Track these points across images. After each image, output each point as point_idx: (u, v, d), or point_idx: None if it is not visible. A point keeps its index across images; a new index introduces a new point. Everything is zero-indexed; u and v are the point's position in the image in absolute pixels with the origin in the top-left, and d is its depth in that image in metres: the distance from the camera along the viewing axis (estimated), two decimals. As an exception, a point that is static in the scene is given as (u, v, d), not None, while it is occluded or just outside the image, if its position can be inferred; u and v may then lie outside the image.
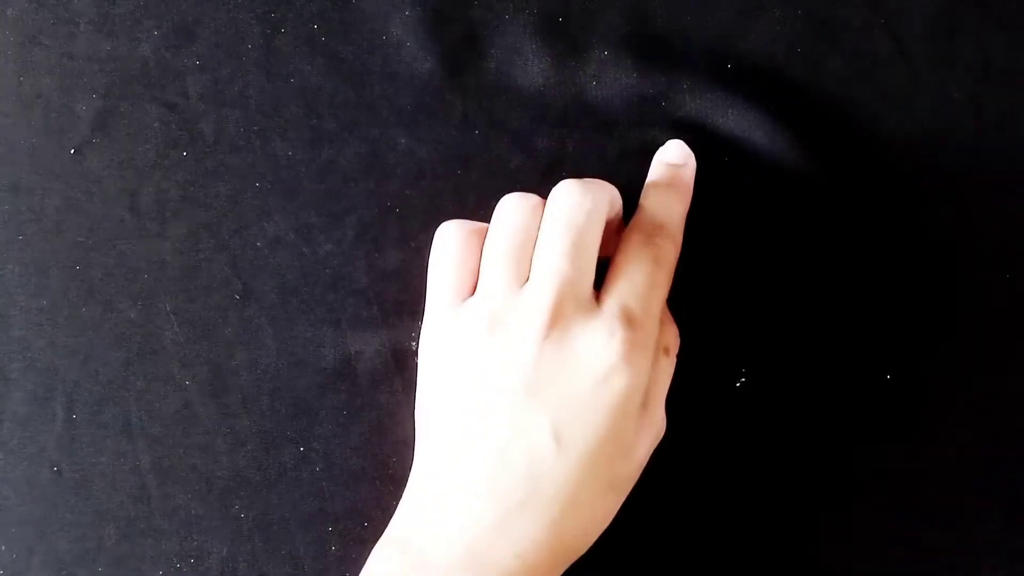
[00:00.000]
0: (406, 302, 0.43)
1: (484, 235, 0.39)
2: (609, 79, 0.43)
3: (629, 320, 0.36)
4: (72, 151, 0.43)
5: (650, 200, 0.40)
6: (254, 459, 0.43)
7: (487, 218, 0.40)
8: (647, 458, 0.38)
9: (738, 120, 0.43)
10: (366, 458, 0.43)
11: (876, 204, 0.43)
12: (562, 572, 0.37)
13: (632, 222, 0.40)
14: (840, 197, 0.43)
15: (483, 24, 0.43)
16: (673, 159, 0.41)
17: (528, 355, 0.36)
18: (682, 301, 0.40)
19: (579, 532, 0.37)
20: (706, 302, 0.42)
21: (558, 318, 0.36)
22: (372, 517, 0.42)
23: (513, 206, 0.38)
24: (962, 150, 0.43)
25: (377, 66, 0.43)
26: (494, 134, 0.43)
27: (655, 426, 0.38)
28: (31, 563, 0.42)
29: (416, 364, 0.41)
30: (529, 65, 0.43)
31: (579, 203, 0.37)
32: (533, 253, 0.38)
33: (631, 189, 0.41)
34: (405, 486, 0.38)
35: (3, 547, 0.42)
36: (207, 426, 0.43)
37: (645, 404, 0.37)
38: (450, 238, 0.39)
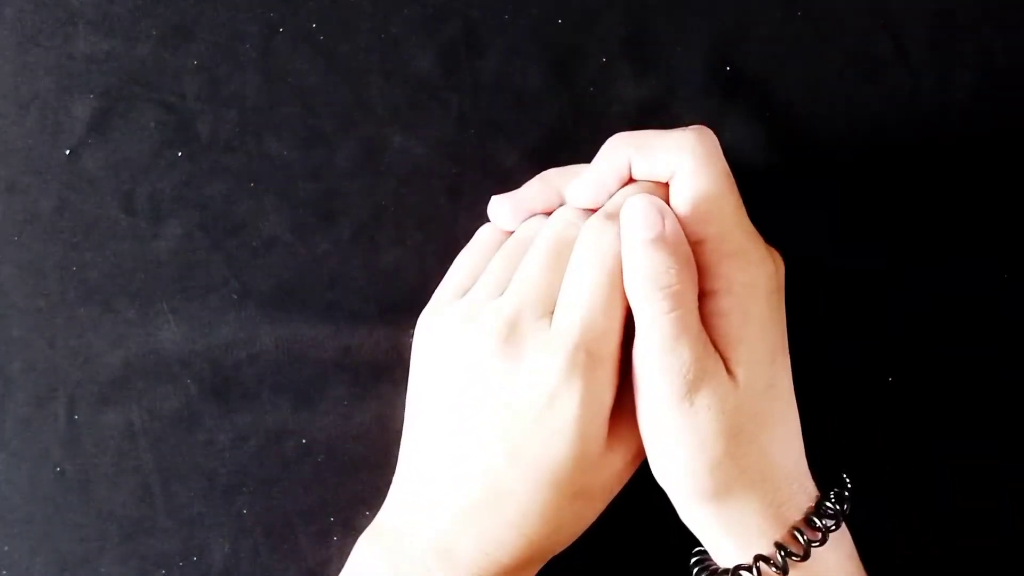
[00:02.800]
0: (403, 300, 0.43)
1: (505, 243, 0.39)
2: (607, 80, 0.43)
3: (578, 338, 0.34)
4: (67, 151, 0.43)
5: None
6: (256, 454, 0.43)
7: (480, 217, 0.41)
8: (632, 465, 0.37)
9: (737, 123, 0.42)
10: (368, 447, 0.43)
11: (876, 205, 0.43)
12: (536, 569, 0.38)
13: None
14: (840, 199, 0.43)
15: (481, 24, 0.42)
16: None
17: (483, 365, 0.36)
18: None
19: (547, 533, 0.36)
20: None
21: (514, 331, 0.35)
22: (374, 505, 0.42)
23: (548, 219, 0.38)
24: (962, 150, 0.42)
25: (375, 64, 0.42)
26: (489, 134, 0.43)
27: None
28: (34, 563, 0.43)
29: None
30: (526, 66, 0.42)
31: (571, 224, 0.37)
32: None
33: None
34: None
35: (6, 547, 0.43)
36: (208, 423, 0.43)
37: (626, 415, 0.36)
38: (477, 236, 0.41)
